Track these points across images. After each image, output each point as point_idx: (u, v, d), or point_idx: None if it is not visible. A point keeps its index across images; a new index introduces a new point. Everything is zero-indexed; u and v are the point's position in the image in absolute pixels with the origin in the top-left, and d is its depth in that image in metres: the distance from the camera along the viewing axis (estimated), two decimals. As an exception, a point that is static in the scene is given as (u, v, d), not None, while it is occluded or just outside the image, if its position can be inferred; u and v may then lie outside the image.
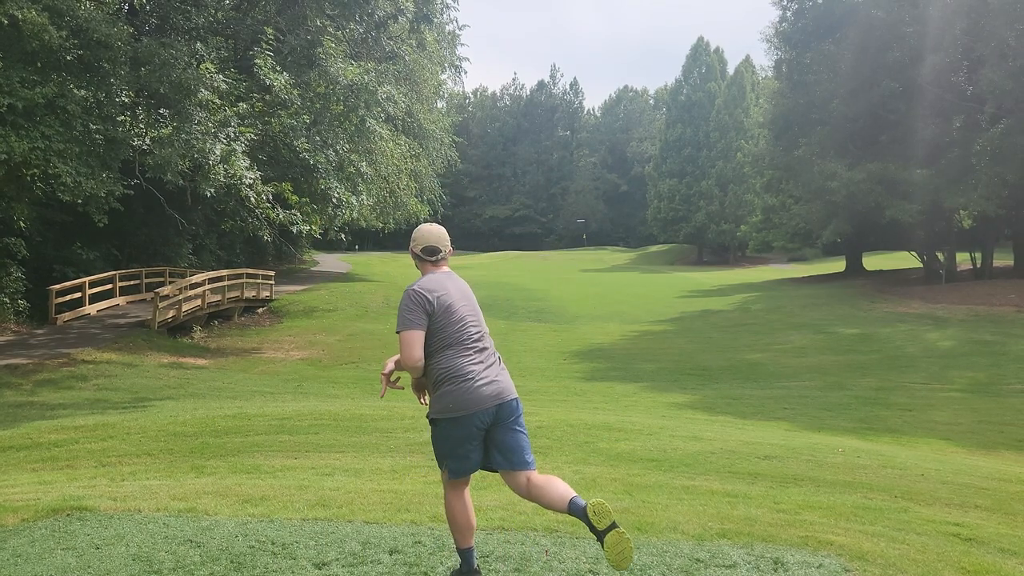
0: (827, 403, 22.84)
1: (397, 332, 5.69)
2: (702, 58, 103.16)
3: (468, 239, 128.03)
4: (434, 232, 6.22)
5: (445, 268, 6.16)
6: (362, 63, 32.48)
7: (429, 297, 5.74)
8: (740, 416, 20.53)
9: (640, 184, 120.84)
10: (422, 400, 6.04)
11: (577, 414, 17.14)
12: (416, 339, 5.67)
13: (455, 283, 6.04)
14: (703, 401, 23.30)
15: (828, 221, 53.90)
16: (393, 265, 74.73)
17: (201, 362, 29.00)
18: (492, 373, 5.78)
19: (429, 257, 6.10)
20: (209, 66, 27.49)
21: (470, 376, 5.67)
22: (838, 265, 70.91)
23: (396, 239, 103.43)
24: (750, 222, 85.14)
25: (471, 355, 5.77)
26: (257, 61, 28.89)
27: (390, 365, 6.06)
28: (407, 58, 44.28)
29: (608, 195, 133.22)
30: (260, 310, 42.13)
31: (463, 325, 5.85)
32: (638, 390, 25.38)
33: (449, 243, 6.23)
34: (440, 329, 5.74)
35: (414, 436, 13.75)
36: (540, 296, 51.39)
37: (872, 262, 68.26)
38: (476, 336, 5.89)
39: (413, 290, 5.79)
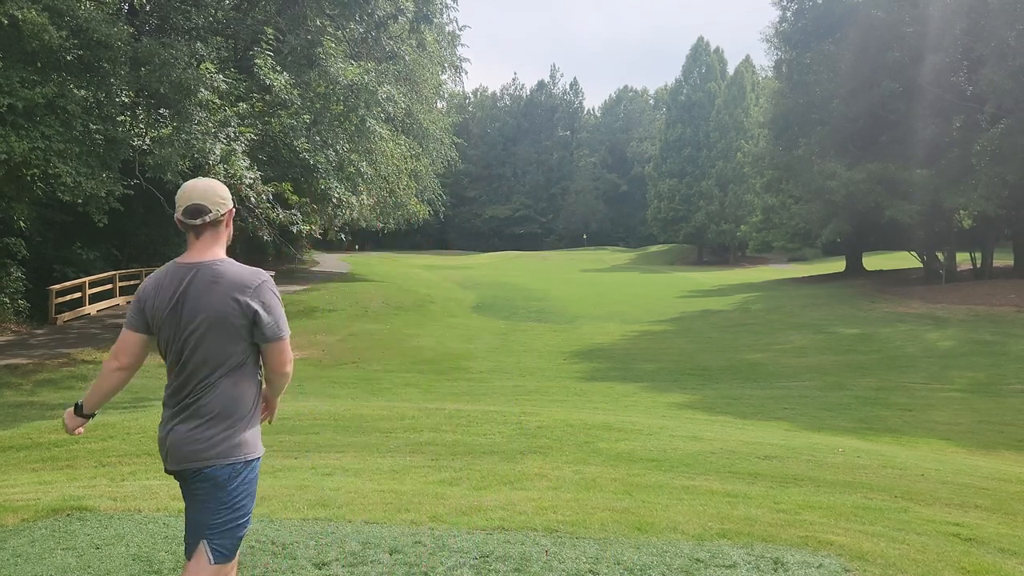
0: (827, 403, 22.83)
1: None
2: (702, 58, 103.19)
3: (468, 239, 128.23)
4: (198, 187, 4.37)
5: (201, 249, 4.37)
6: (362, 63, 32.52)
7: (142, 298, 4.38)
8: (740, 416, 20.53)
9: (640, 184, 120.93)
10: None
11: (577, 414, 17.14)
12: (123, 341, 4.42)
13: (183, 285, 4.28)
14: (703, 401, 23.29)
15: (827, 221, 53.89)
16: (393, 265, 74.76)
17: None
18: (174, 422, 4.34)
19: (190, 220, 4.29)
20: (209, 66, 27.50)
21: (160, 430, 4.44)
22: (838, 265, 70.93)
23: (396, 239, 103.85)
24: (750, 222, 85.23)
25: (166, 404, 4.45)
26: (257, 61, 28.91)
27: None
28: (407, 58, 44.30)
29: (608, 195, 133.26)
30: (260, 310, 42.05)
31: (167, 357, 4.37)
32: (638, 390, 25.37)
33: (225, 202, 4.37)
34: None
35: (414, 436, 13.75)
36: (540, 296, 51.37)
37: (872, 262, 68.28)
38: (174, 380, 4.33)
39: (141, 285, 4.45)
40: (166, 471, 4.35)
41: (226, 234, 4.40)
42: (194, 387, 4.24)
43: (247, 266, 4.33)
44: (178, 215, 4.30)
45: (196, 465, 4.21)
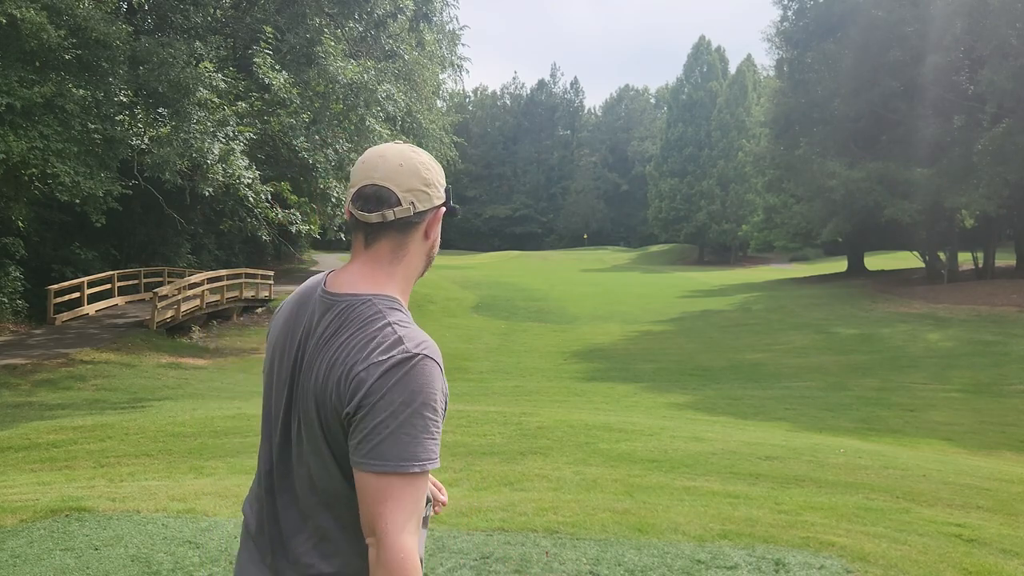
0: (828, 403, 22.84)
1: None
2: (703, 57, 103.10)
3: (468, 239, 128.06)
4: (387, 159, 2.39)
5: (359, 268, 2.40)
6: (361, 62, 32.50)
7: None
8: (741, 416, 20.53)
9: (641, 183, 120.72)
10: None
11: (578, 414, 17.13)
12: None
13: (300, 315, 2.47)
14: (704, 401, 23.29)
15: (828, 220, 54.00)
16: (393, 265, 74.56)
17: (200, 362, 29.00)
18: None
19: (361, 212, 2.34)
20: (208, 65, 27.50)
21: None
22: (840, 265, 70.89)
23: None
24: (751, 222, 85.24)
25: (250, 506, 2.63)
26: (256, 60, 28.90)
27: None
28: (406, 57, 44.25)
29: (609, 194, 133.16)
30: (259, 310, 42.09)
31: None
32: (639, 390, 25.37)
33: (427, 192, 2.38)
34: None
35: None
36: (540, 296, 51.36)
37: (874, 262, 68.23)
38: (264, 464, 2.46)
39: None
40: None
41: (420, 253, 2.45)
42: None
43: (392, 324, 2.22)
44: (348, 202, 2.39)
45: None
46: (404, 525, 2.07)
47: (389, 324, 2.21)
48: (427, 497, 2.37)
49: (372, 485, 2.09)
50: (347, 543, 2.26)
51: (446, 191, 2.43)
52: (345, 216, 2.40)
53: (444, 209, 2.43)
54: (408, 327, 2.23)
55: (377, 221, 2.30)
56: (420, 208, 2.33)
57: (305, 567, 2.28)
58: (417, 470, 2.09)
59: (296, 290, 2.50)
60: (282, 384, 2.36)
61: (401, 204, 2.29)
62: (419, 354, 2.15)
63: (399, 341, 2.16)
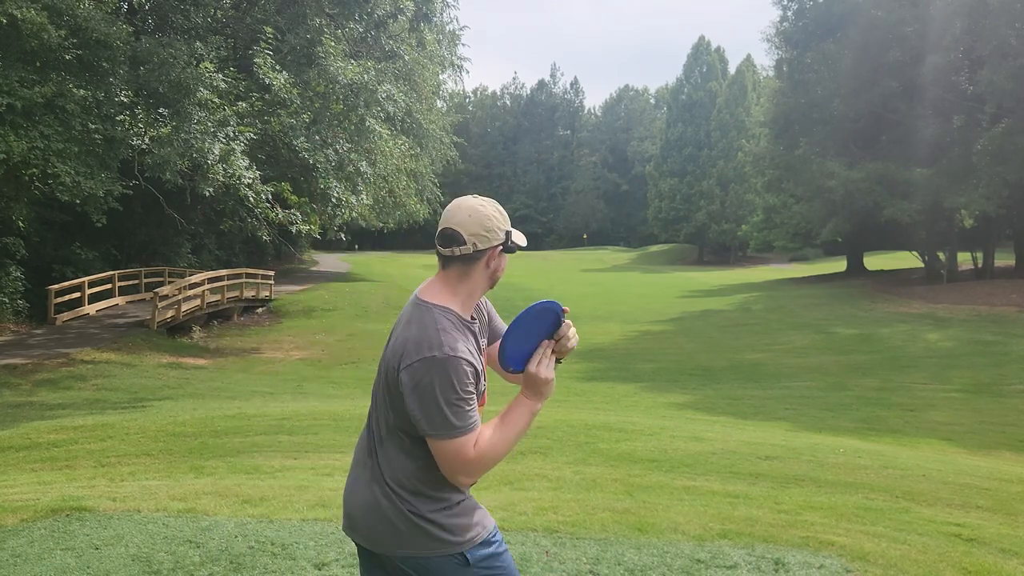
0: (828, 403, 22.85)
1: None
2: (703, 57, 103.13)
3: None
4: (462, 209, 3.36)
5: (436, 285, 3.43)
6: (362, 62, 32.50)
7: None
8: (741, 416, 20.54)
9: (641, 184, 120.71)
10: None
11: (577, 414, 17.14)
12: None
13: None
14: (704, 401, 23.30)
15: (827, 220, 54.09)
16: (393, 265, 74.69)
17: (200, 362, 29.01)
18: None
19: (439, 247, 3.33)
20: (208, 65, 27.52)
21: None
22: (839, 265, 70.93)
23: (396, 239, 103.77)
24: (751, 222, 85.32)
25: None
26: (256, 60, 28.93)
27: None
28: (407, 57, 44.24)
29: (609, 195, 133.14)
30: (259, 310, 42.16)
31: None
32: (638, 390, 25.38)
33: (487, 236, 3.31)
34: None
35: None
36: (540, 296, 50.88)
37: (873, 262, 68.27)
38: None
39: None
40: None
41: (483, 277, 3.34)
42: None
43: (438, 328, 3.18)
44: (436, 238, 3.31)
45: None
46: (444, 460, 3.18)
47: (437, 328, 3.16)
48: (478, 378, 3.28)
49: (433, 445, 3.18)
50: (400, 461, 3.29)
51: (507, 233, 3.28)
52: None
53: (501, 248, 3.29)
54: (447, 333, 3.15)
55: (447, 255, 3.26)
56: (480, 247, 3.22)
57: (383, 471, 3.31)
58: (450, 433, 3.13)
59: None
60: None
61: (466, 244, 3.21)
62: (442, 355, 3.10)
63: (436, 343, 3.12)
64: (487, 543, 3.38)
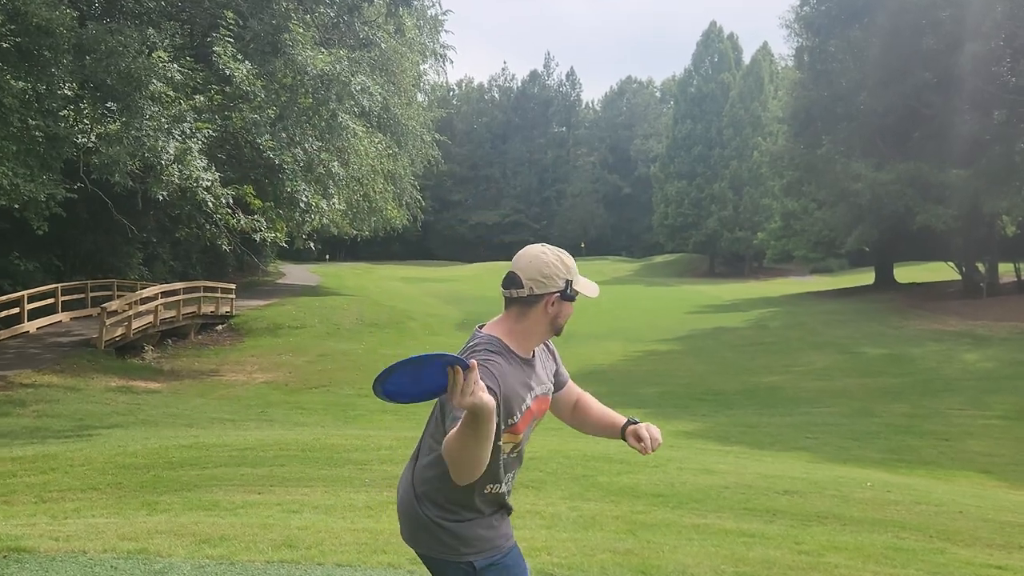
0: (853, 431, 22.88)
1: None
2: (714, 45, 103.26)
3: (452, 248, 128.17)
4: (525, 255, 4.06)
5: (498, 321, 4.10)
6: (333, 51, 32.48)
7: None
8: (756, 446, 20.56)
9: (645, 186, 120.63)
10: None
11: (574, 444, 17.14)
12: None
13: None
14: (715, 429, 23.32)
15: (853, 227, 54.03)
16: (368, 278, 74.75)
17: (153, 385, 28.98)
18: None
19: (502, 288, 4.00)
20: (162, 54, 27.49)
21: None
22: (866, 277, 70.96)
23: (371, 248, 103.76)
24: (768, 229, 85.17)
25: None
26: (216, 49, 28.92)
27: None
28: (383, 45, 44.23)
29: (609, 199, 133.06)
30: (219, 327, 42.13)
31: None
32: (642, 417, 24.94)
33: (545, 283, 3.96)
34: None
35: (392, 469, 13.74)
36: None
37: (904, 273, 68.30)
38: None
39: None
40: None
41: (541, 320, 3.99)
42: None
43: (477, 343, 3.94)
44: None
45: None
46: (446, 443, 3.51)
47: (477, 349, 3.85)
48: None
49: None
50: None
51: (567, 282, 3.99)
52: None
53: (559, 294, 3.97)
54: (486, 355, 3.77)
55: (507, 296, 3.96)
56: (537, 292, 3.88)
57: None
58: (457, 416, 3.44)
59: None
60: None
61: (523, 287, 3.88)
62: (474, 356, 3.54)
63: (473, 349, 3.90)
64: (496, 563, 3.90)
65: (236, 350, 37.82)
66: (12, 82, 24.40)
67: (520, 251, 4.04)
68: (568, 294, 4.00)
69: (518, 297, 3.91)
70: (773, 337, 42.12)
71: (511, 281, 3.93)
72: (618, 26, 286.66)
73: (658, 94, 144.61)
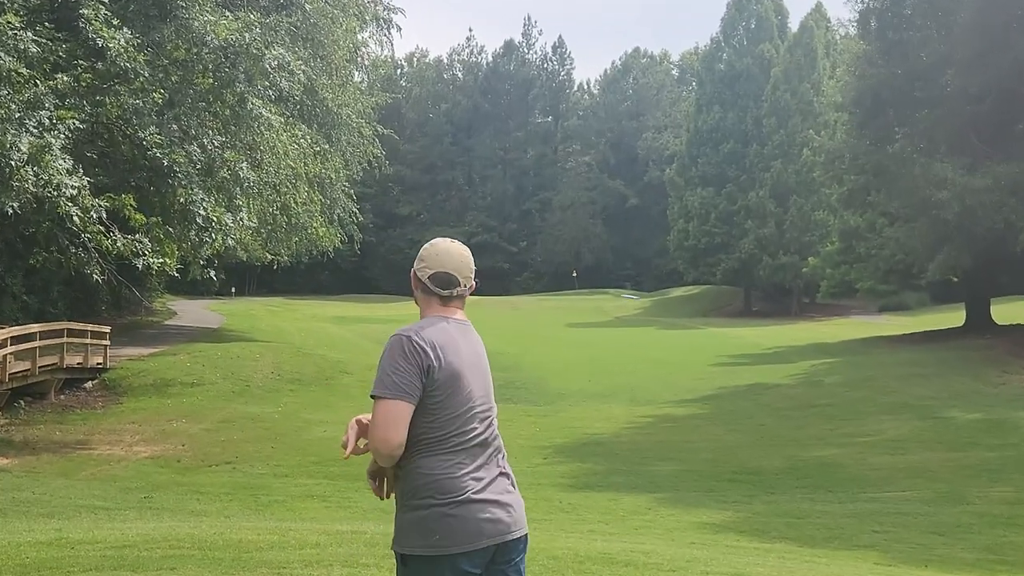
0: (937, 523, 22.96)
1: (372, 396, 5.34)
2: (751, 7, 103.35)
3: (399, 278, 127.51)
4: (454, 252, 6.06)
5: (459, 314, 5.75)
6: (241, 15, 32.52)
7: (432, 353, 5.35)
8: (806, 543, 20.63)
9: (657, 196, 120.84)
10: (380, 493, 5.76)
11: (564, 540, 17.21)
12: (401, 414, 5.25)
13: (470, 342, 5.65)
14: (750, 521, 23.40)
15: (936, 250, 54.03)
16: (287, 317, 74.80)
17: (1, 462, 28.96)
18: (498, 491, 5.45)
19: (441, 290, 5.74)
20: (11, 18, 27.49)
21: (465, 493, 5.29)
22: (955, 317, 70.95)
23: (292, 278, 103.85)
24: (823, 253, 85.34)
25: (472, 461, 5.40)
26: (84, 12, 28.91)
27: (354, 429, 5.59)
28: (308, 7, 44.32)
29: (610, 212, 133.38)
30: (89, 384, 41.99)
31: (469, 411, 5.44)
32: (654, 504, 25.47)
33: (473, 273, 5.94)
34: (437, 410, 5.32)
35: (320, 574, 13.76)
36: (509, 364, 51.29)
37: (1005, 312, 68.28)
38: (483, 432, 5.54)
39: (407, 337, 5.44)
40: (479, 550, 5.32)
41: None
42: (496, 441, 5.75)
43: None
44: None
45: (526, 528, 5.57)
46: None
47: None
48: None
49: None
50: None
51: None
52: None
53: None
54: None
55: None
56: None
57: None
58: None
59: (445, 332, 5.64)
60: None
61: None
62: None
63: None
64: (430, 559, 5.10)
65: (111, 415, 37.72)
66: None
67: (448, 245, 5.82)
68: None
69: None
70: (829, 397, 42.20)
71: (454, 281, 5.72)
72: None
73: (675, 72, 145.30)
